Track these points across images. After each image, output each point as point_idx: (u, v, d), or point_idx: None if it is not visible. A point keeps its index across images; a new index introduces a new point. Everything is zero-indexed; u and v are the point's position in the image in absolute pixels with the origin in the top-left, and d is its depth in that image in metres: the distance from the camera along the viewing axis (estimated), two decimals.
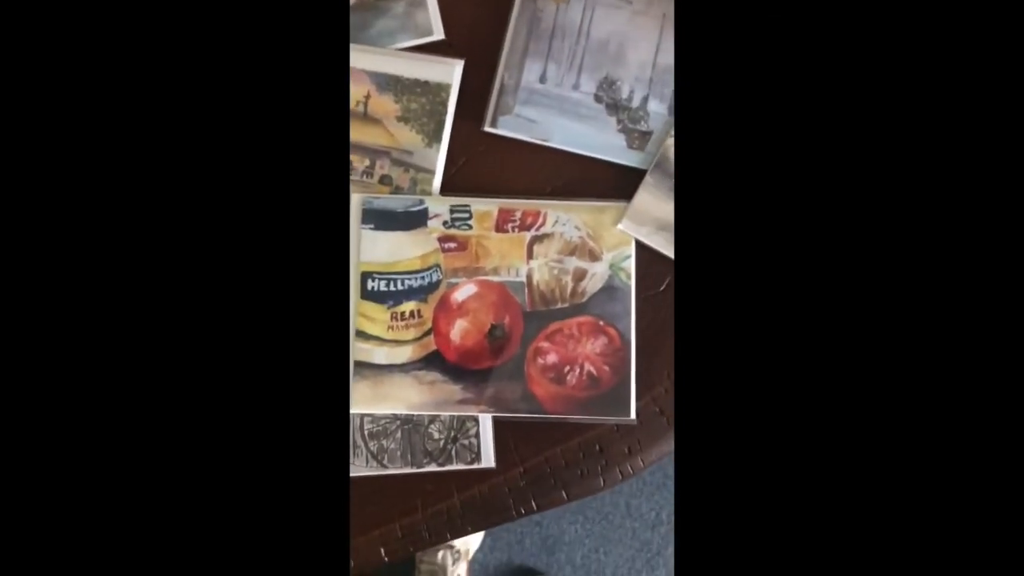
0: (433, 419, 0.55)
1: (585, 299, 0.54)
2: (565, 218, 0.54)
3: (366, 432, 0.55)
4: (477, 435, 0.55)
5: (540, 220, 0.54)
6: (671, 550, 1.32)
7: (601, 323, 0.54)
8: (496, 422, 0.55)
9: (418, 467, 0.55)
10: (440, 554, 1.41)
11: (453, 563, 1.41)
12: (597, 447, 0.56)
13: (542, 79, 0.55)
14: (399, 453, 0.55)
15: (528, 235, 0.54)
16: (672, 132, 0.54)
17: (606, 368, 0.54)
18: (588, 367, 0.54)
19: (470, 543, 1.45)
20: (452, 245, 0.54)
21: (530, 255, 0.54)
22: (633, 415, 0.54)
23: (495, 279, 0.54)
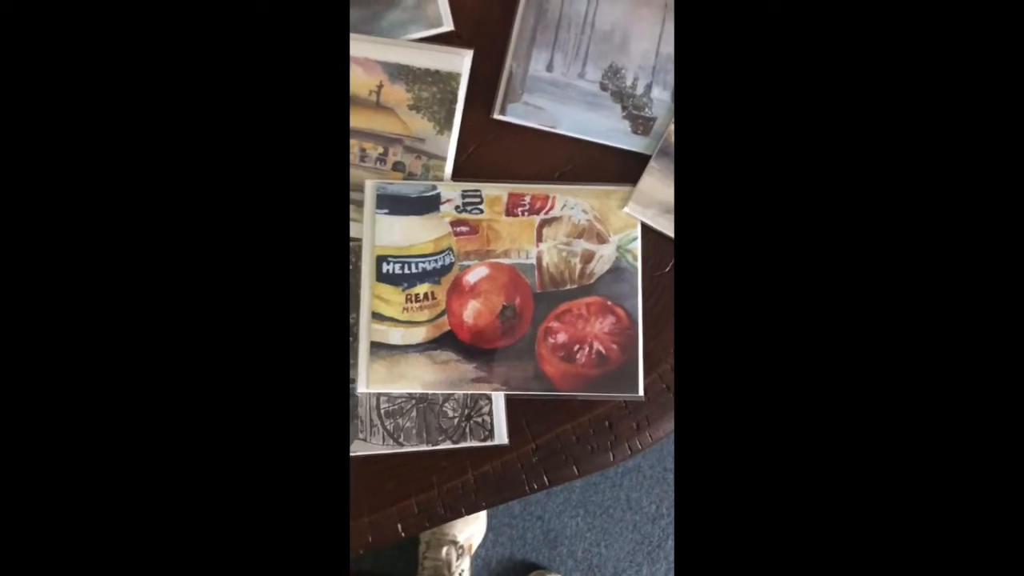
0: (447, 398, 0.58)
1: (593, 280, 0.57)
2: (573, 202, 0.57)
3: (382, 411, 0.58)
4: (490, 413, 0.58)
5: (549, 204, 0.57)
6: (671, 543, 1.34)
7: (609, 303, 0.57)
8: (508, 400, 0.58)
9: (433, 445, 0.58)
10: (444, 550, 1.42)
11: (457, 558, 1.43)
12: (607, 423, 0.58)
13: (549, 68, 0.57)
14: (415, 431, 0.58)
15: (537, 219, 0.57)
16: (674, 119, 0.57)
17: (614, 347, 0.57)
18: (597, 346, 0.57)
19: (473, 539, 1.47)
20: (464, 229, 0.57)
21: (539, 238, 0.57)
22: (641, 392, 0.57)
23: (506, 261, 0.57)
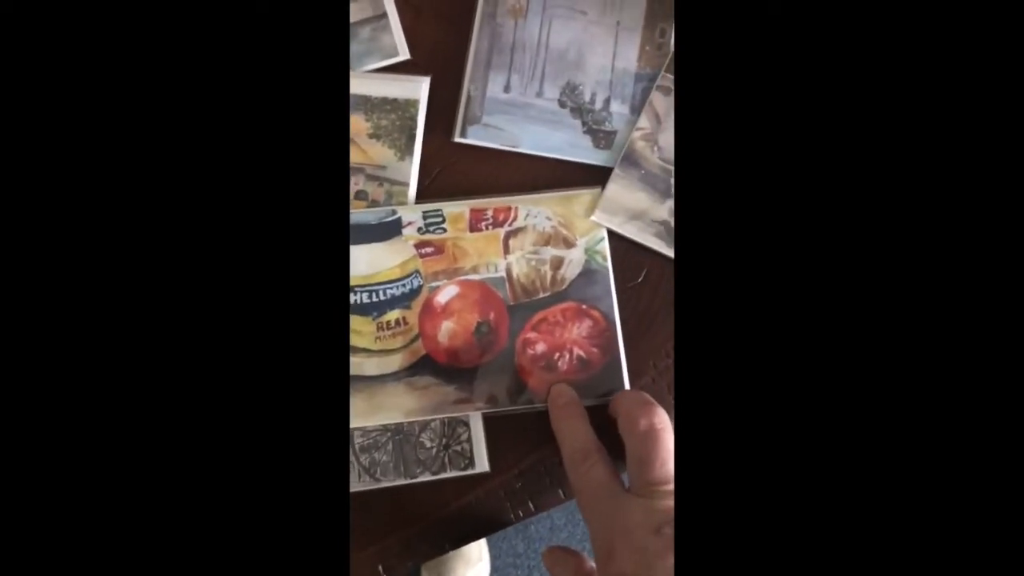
0: (424, 427, 0.50)
1: (565, 286, 0.50)
2: (535, 211, 0.51)
3: (357, 446, 0.50)
4: (469, 440, 0.50)
5: (512, 215, 0.51)
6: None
7: (584, 307, 0.50)
8: (487, 425, 0.50)
9: (411, 478, 0.50)
10: None
11: None
12: None
13: (506, 89, 0.52)
14: (391, 465, 0.50)
15: (502, 231, 0.50)
16: (635, 127, 0.51)
17: (594, 350, 0.50)
18: (577, 351, 0.50)
19: None
20: (429, 250, 0.50)
21: (506, 250, 0.50)
22: (627, 388, 0.50)
23: (475, 278, 0.50)
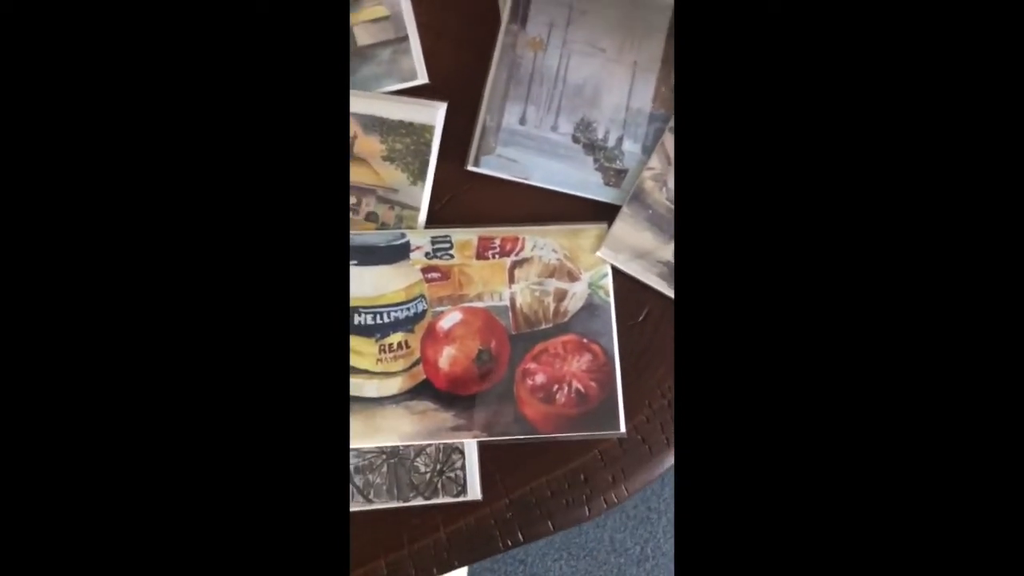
0: (419, 452, 0.47)
1: (567, 318, 0.48)
2: (542, 242, 0.48)
3: (352, 466, 0.47)
4: (463, 467, 0.47)
5: (519, 245, 0.48)
6: None
7: (584, 340, 0.48)
8: (482, 454, 0.47)
9: (404, 501, 0.47)
10: None
11: None
12: (582, 476, 0.48)
13: (522, 121, 0.50)
14: (385, 487, 0.47)
15: (508, 260, 0.48)
16: (646, 167, 0.49)
17: (593, 384, 0.47)
18: (576, 384, 0.47)
19: None
20: (435, 275, 0.47)
21: (511, 279, 0.48)
22: (623, 428, 0.47)
23: (479, 305, 0.48)
